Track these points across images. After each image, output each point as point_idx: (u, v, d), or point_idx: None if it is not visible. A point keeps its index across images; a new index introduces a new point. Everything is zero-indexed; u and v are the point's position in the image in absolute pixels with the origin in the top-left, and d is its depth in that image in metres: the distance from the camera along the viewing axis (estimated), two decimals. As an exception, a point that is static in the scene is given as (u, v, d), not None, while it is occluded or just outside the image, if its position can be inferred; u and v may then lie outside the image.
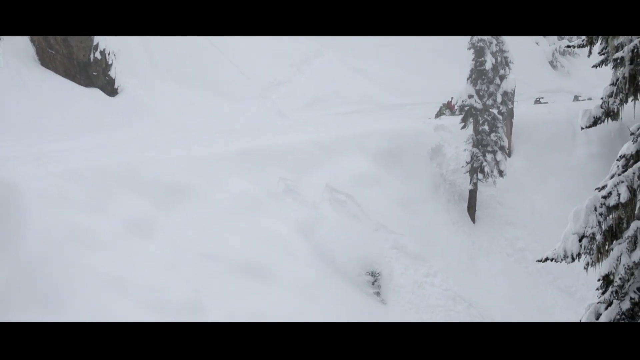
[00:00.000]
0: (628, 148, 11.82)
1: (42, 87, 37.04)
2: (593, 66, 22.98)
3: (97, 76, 39.10)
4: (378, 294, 27.01)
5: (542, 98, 46.46)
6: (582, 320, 12.22)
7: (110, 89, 39.22)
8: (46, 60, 38.57)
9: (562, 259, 12.10)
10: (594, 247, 11.90)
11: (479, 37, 31.80)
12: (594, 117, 12.26)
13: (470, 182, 32.86)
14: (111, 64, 39.38)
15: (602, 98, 12.23)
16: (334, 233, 28.02)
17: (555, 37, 61.05)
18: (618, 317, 11.76)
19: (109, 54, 39.37)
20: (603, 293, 12.21)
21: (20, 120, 31.99)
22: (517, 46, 41.16)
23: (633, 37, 11.42)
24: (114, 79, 39.48)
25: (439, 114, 40.71)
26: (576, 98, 45.12)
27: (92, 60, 38.85)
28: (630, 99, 11.98)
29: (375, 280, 27.19)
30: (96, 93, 37.14)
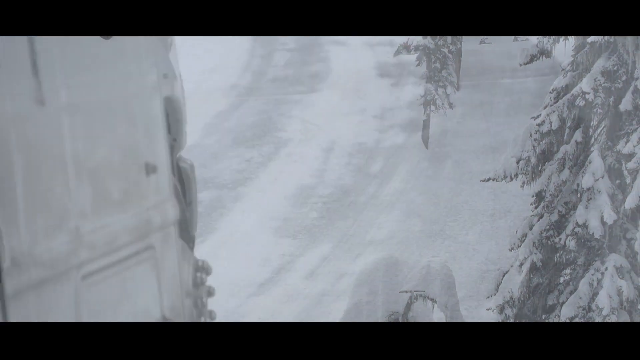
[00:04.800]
0: (559, 82, 12.01)
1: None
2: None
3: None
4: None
5: (487, 39, 46.02)
6: (517, 231, 12.38)
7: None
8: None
9: (502, 179, 12.26)
10: (529, 168, 12.06)
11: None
12: (530, 55, 12.29)
13: (424, 112, 32.77)
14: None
15: (537, 38, 12.20)
16: None
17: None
18: (548, 227, 11.96)
19: None
20: (536, 207, 12.42)
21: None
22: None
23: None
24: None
25: (397, 53, 40.15)
26: (516, 39, 44.65)
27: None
28: (561, 39, 11.96)
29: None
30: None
